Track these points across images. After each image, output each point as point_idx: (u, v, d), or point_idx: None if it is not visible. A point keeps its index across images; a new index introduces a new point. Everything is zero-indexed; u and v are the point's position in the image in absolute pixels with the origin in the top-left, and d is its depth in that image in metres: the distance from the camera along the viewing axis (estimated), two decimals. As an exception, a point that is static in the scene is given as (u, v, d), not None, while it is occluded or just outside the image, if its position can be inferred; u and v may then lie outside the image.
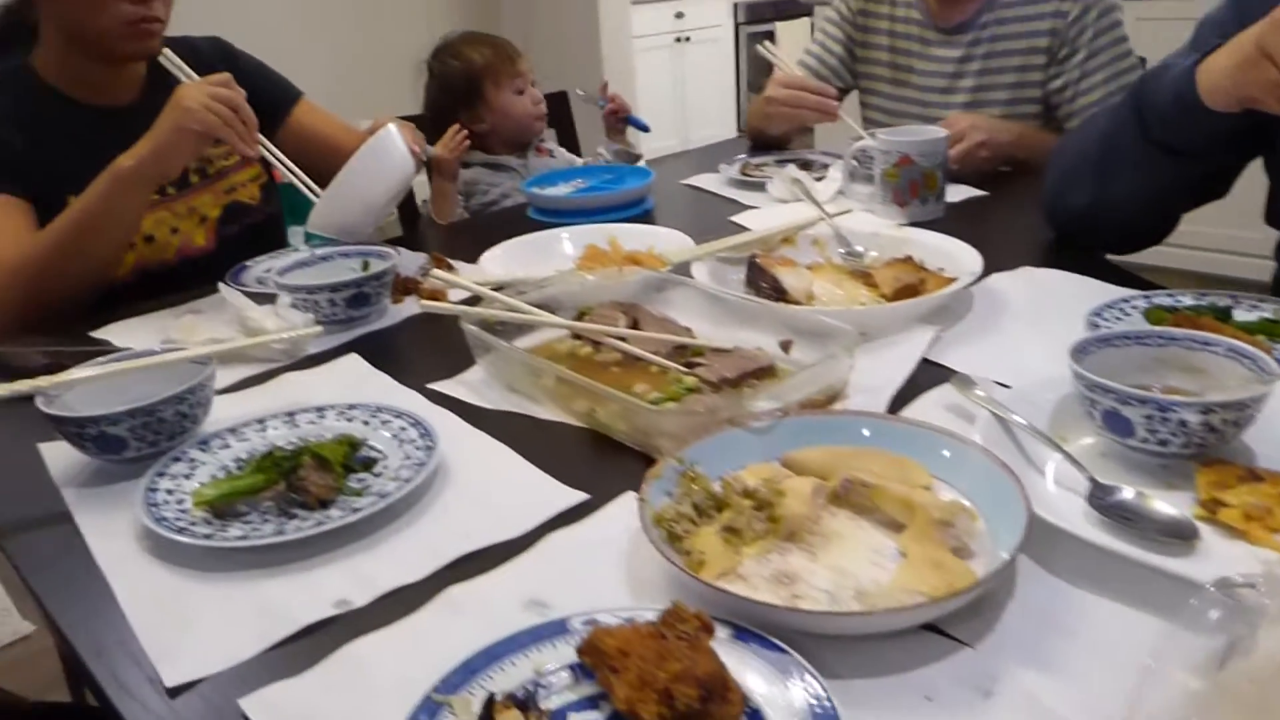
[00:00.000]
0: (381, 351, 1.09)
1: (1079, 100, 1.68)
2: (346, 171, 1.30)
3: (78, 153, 1.36)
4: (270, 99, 1.59)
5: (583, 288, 1.09)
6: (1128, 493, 0.70)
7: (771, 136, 1.89)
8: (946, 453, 0.74)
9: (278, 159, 1.36)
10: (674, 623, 0.56)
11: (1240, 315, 0.98)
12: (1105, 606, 0.63)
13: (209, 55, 1.53)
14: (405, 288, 1.23)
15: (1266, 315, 0.97)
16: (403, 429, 0.87)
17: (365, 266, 1.20)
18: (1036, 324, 1.05)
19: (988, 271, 1.11)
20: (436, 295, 1.20)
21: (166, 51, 1.34)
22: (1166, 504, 0.68)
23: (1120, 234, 1.24)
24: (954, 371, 0.94)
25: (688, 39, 5.70)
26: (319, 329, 1.06)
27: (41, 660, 2.04)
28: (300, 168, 1.37)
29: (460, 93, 1.88)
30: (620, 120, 1.87)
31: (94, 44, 1.35)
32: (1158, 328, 0.86)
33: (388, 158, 1.33)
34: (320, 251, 1.24)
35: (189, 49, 1.51)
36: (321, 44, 4.45)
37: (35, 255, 1.25)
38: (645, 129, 1.92)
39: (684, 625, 0.56)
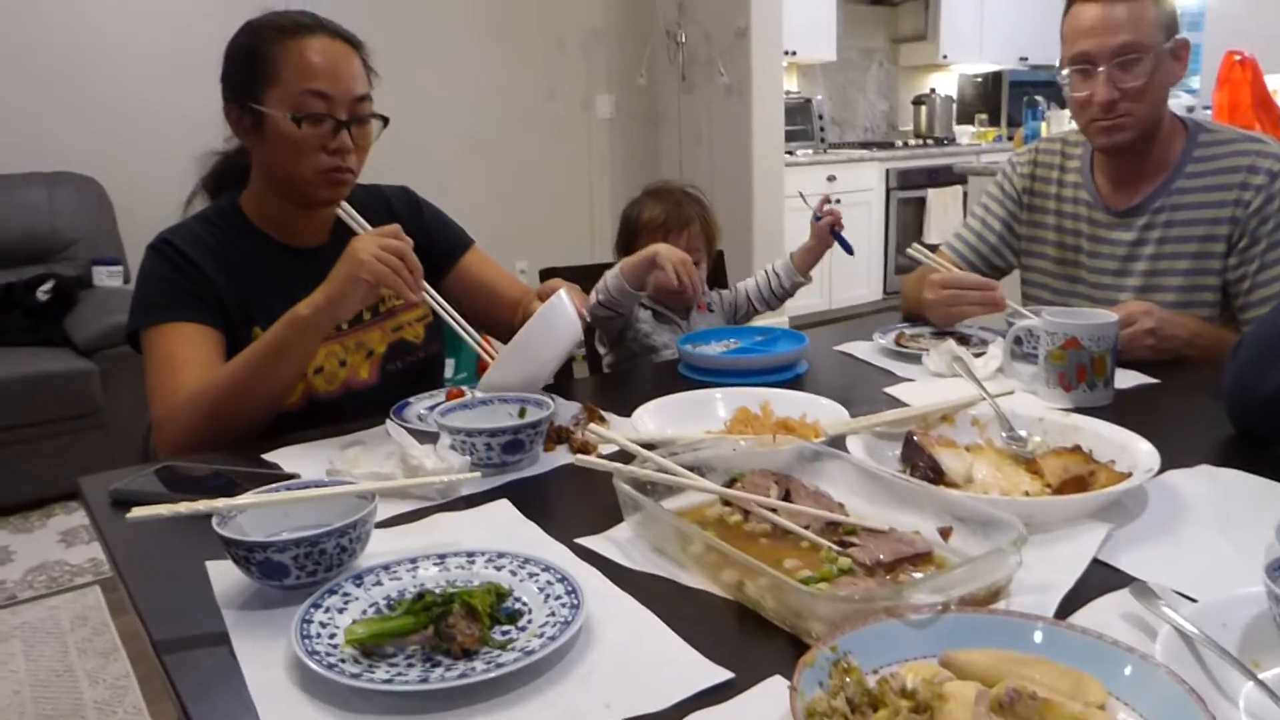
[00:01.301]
0: (531, 499, 1.11)
1: (1256, 293, 1.61)
2: (521, 338, 1.35)
3: (268, 287, 1.48)
4: (446, 245, 1.70)
5: (735, 453, 1.08)
6: (1334, 736, 0.63)
7: None
8: (1129, 670, 0.68)
9: (442, 307, 1.43)
10: (829, 835, 0.53)
11: None
12: None
13: (398, 203, 1.67)
14: (559, 436, 1.26)
15: None
16: (549, 583, 0.87)
17: (522, 413, 1.23)
18: (1220, 530, 0.98)
19: (1162, 467, 1.05)
20: (587, 446, 1.22)
21: (344, 204, 1.44)
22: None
23: None
24: (1125, 574, 0.89)
25: (838, 201, 5.80)
26: (477, 474, 1.08)
27: (165, 765, 2.08)
28: (462, 310, 1.45)
29: (623, 234, 1.98)
30: (831, 232, 1.82)
31: (293, 188, 1.47)
32: (1365, 551, 0.79)
33: (559, 324, 1.38)
34: (481, 395, 1.28)
35: (380, 196, 1.65)
36: (488, 190, 4.75)
37: (214, 388, 1.34)
38: (850, 251, 1.84)
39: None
